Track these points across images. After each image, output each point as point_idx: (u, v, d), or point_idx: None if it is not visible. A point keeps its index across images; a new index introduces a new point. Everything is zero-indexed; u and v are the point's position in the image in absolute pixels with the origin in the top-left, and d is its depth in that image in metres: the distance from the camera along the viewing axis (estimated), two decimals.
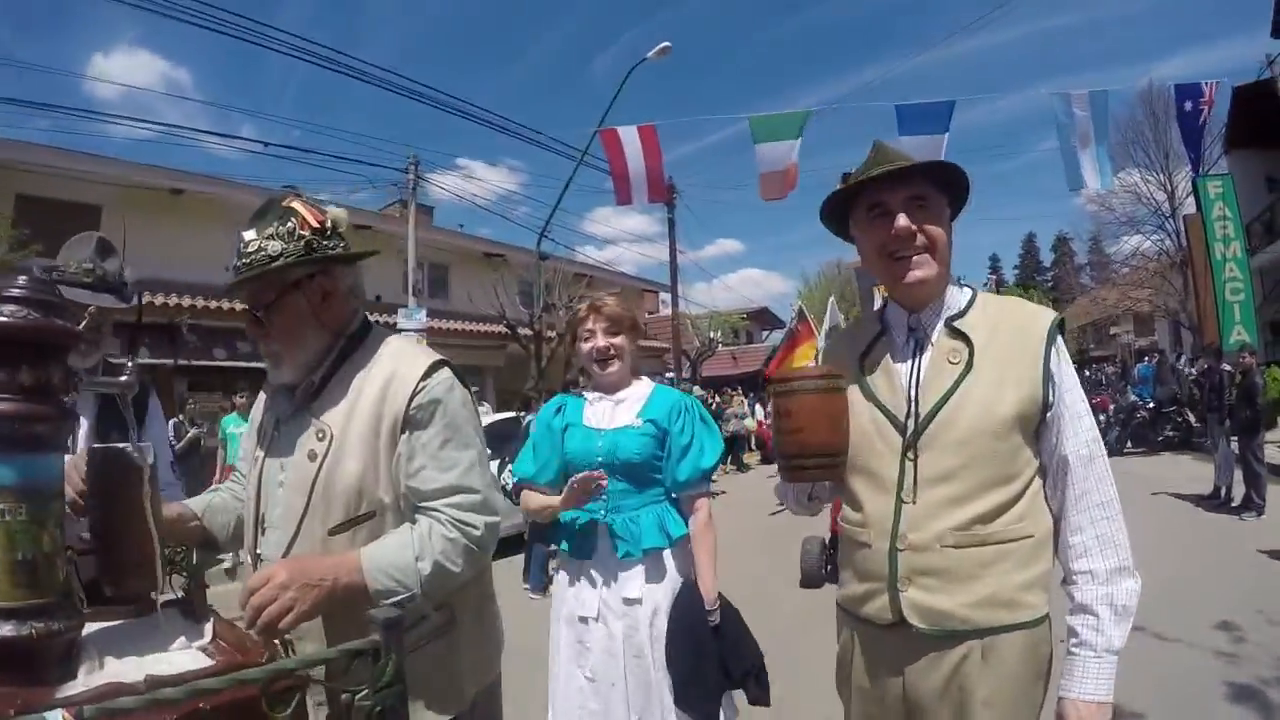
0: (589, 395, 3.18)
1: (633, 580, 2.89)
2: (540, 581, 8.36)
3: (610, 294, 3.37)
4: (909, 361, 1.91)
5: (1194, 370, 18.15)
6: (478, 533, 1.91)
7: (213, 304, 16.15)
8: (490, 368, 23.27)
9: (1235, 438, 11.03)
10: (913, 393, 1.86)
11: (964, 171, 1.91)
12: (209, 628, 1.65)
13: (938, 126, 11.74)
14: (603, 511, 2.93)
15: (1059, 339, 1.84)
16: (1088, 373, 34.85)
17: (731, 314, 41.15)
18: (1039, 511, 1.81)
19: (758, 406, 23.49)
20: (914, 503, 1.80)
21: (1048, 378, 1.79)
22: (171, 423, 9.15)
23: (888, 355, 1.96)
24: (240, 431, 8.37)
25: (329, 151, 51.24)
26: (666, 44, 18.52)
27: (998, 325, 1.86)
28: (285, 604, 1.66)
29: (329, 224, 2.00)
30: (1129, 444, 17.64)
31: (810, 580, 7.49)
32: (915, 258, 1.86)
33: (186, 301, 15.94)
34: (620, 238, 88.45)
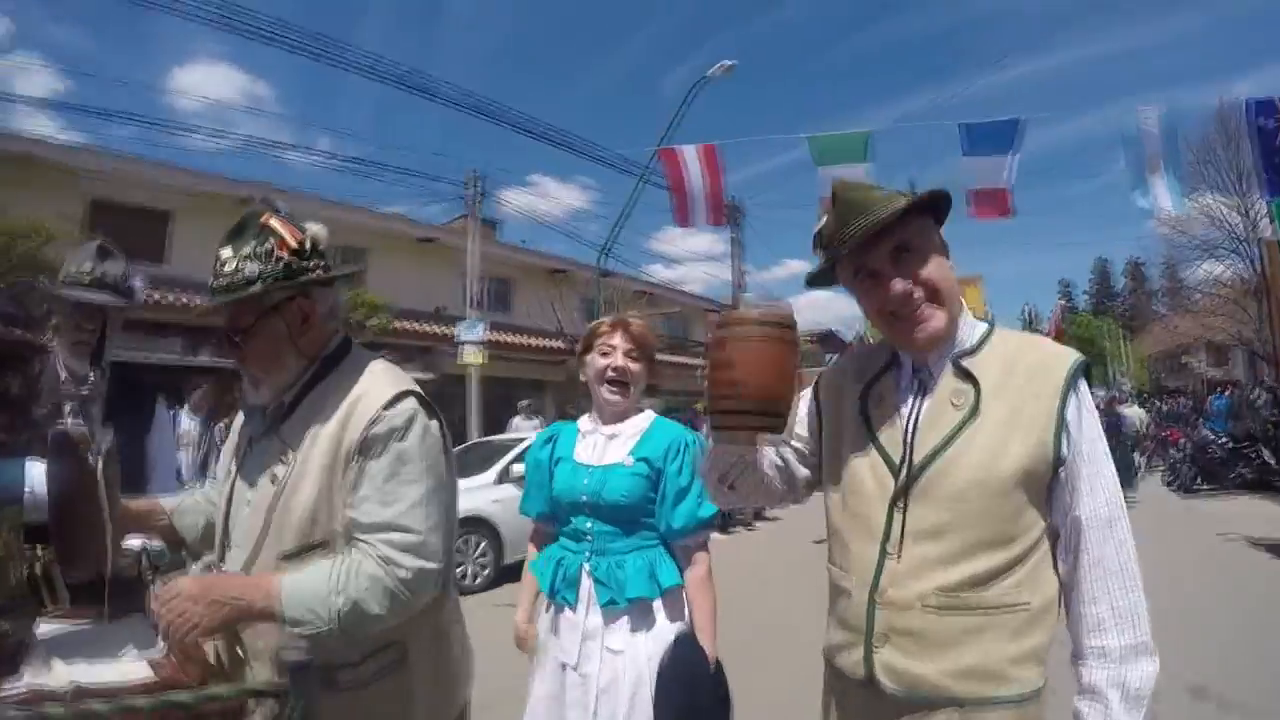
0: (584, 425, 2.97)
1: (617, 630, 2.66)
2: None
3: (639, 315, 3.13)
4: (910, 401, 1.75)
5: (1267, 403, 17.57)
6: (405, 575, 1.79)
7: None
8: (551, 382, 23.31)
9: None
10: (908, 437, 1.70)
11: (943, 193, 1.75)
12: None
13: (1005, 146, 11.42)
14: (587, 554, 2.72)
15: (1081, 384, 1.66)
16: (1160, 404, 33.93)
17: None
18: (1041, 578, 1.63)
19: None
20: (898, 557, 1.64)
21: (1062, 428, 1.61)
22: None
23: (893, 390, 1.80)
24: None
25: (397, 165, 51.71)
26: (730, 61, 18.54)
27: (1013, 366, 1.69)
28: (188, 618, 1.65)
29: (308, 244, 1.96)
30: (1200, 481, 16.96)
31: None
32: (919, 311, 1.70)
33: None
34: (686, 257, 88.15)
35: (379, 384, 1.94)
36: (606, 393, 2.84)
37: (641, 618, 2.66)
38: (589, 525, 2.73)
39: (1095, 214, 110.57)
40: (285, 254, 1.92)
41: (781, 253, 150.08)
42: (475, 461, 11.03)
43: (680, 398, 26.07)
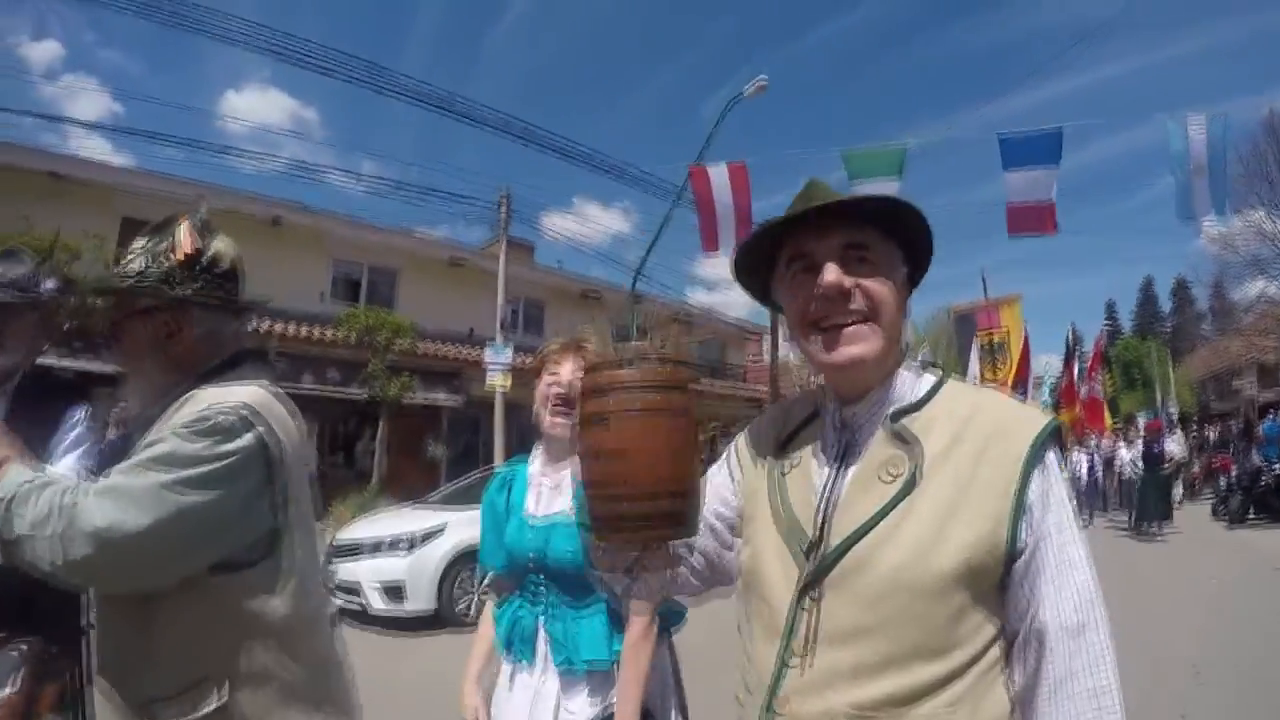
0: (533, 468, 2.62)
1: (575, 696, 2.36)
2: None
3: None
4: (830, 467, 1.36)
5: None
6: (84, 528, 1.52)
7: (303, 330, 16.86)
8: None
9: None
10: (822, 514, 1.30)
11: (920, 212, 1.36)
12: None
13: (1047, 158, 10.92)
14: (543, 610, 2.44)
15: (1050, 456, 1.27)
16: (1209, 432, 33.00)
17: None
18: (987, 698, 1.22)
19: None
20: (804, 664, 1.24)
21: (1020, 513, 1.22)
22: None
23: (811, 452, 1.42)
24: None
25: (433, 187, 51.69)
26: (763, 79, 18.17)
27: (964, 430, 1.29)
28: None
29: (204, 259, 1.85)
30: (1251, 512, 16.05)
31: None
32: (849, 328, 1.31)
33: (279, 327, 16.40)
34: (723, 281, 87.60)
35: (222, 394, 1.77)
36: (550, 416, 2.46)
37: (600, 685, 2.36)
38: (541, 585, 2.46)
39: (1141, 232, 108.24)
40: (172, 261, 1.82)
41: None
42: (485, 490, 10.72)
43: (716, 425, 25.73)
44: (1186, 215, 10.91)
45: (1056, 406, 13.44)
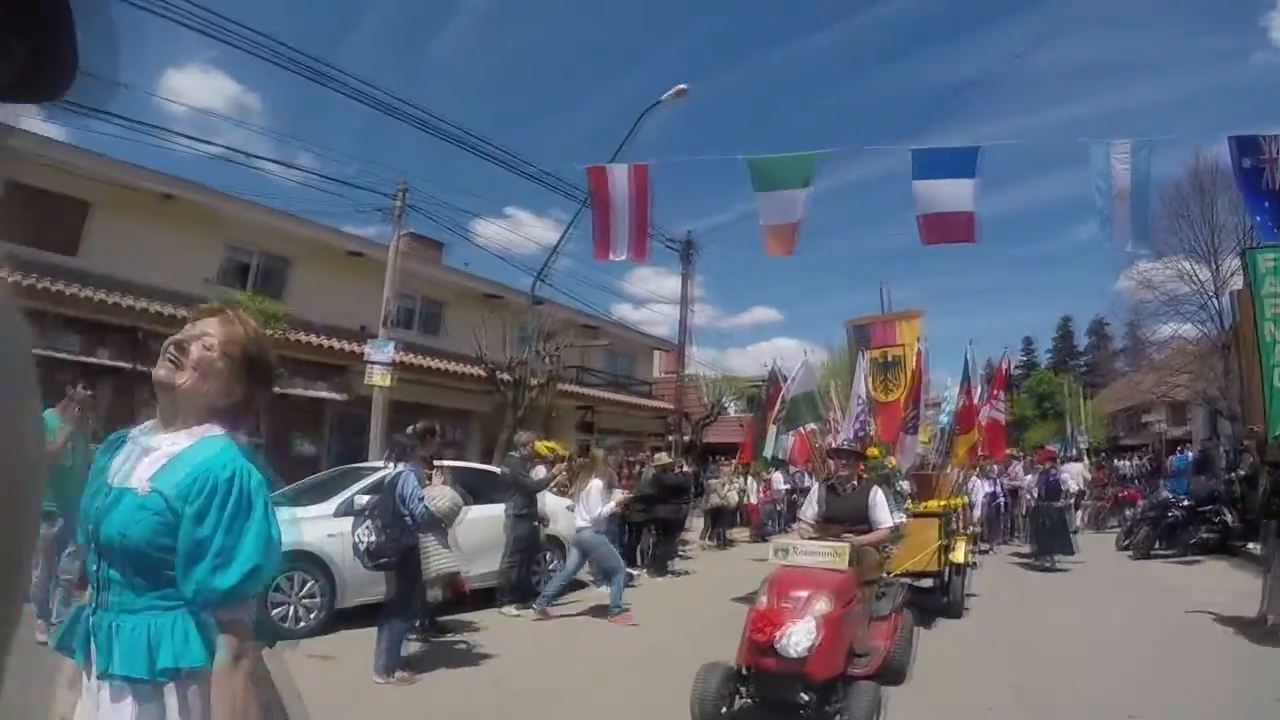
0: (141, 428, 2.16)
1: (121, 710, 1.89)
2: (390, 661, 7.07)
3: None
4: None
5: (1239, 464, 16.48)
6: None
7: (180, 312, 14.68)
8: (477, 413, 21.93)
9: None
10: None
11: None
12: None
13: (963, 171, 10.49)
14: (93, 604, 2.02)
15: None
16: (1118, 463, 33.02)
17: (743, 379, 38.54)
18: None
19: (750, 479, 21.27)
20: None
21: None
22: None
23: None
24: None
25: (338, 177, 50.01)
26: (683, 86, 18.33)
27: None
28: None
29: None
30: (1158, 544, 15.68)
31: None
32: None
33: (155, 307, 15.21)
34: (647, 296, 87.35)
35: None
36: (161, 369, 2.07)
37: (149, 705, 1.91)
38: (99, 568, 2.02)
39: (1064, 271, 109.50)
40: None
41: (753, 300, 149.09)
42: (327, 490, 9.99)
43: (619, 437, 25.05)
44: (1110, 242, 10.68)
45: (953, 431, 12.29)
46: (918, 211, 10.69)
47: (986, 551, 16.57)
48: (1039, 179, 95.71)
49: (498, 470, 11.15)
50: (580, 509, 10.19)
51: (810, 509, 7.79)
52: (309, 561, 8.71)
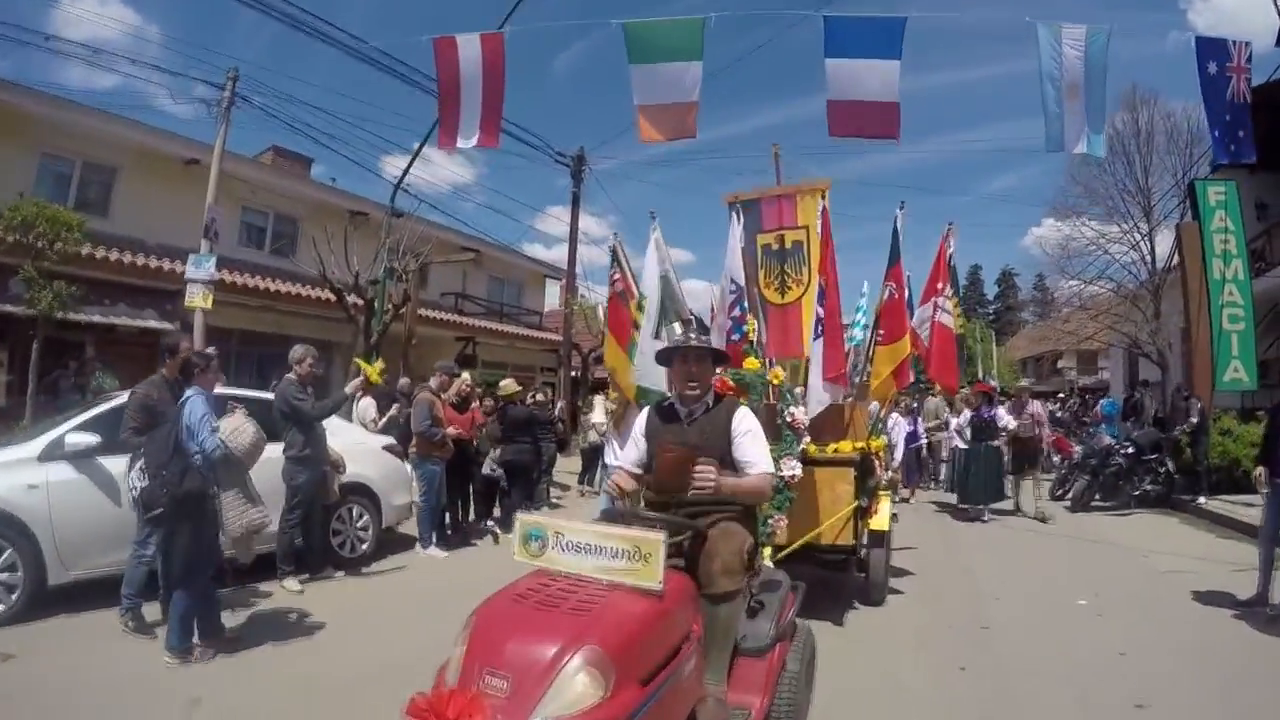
0: None
1: None
2: (181, 641, 5.63)
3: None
4: None
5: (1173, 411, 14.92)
6: None
7: None
8: (339, 344, 19.20)
9: None
10: None
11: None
12: None
13: (885, 50, 8.68)
14: None
15: None
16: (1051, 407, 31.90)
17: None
18: None
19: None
20: None
21: None
22: None
23: None
24: None
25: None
26: None
27: None
28: None
29: None
30: (1097, 497, 13.93)
31: None
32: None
33: None
34: (553, 232, 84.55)
35: None
36: None
37: None
38: None
39: (976, 225, 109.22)
40: None
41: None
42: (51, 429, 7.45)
43: (499, 371, 22.71)
44: (1056, 145, 9.04)
45: (871, 348, 8.70)
46: (830, 95, 8.90)
47: (905, 500, 14.71)
48: (959, 132, 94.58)
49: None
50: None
51: (630, 451, 4.23)
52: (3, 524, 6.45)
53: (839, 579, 7.87)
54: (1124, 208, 24.25)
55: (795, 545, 6.86)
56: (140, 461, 5.93)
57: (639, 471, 4.09)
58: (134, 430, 6.34)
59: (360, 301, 16.44)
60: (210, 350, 11.48)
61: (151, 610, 6.29)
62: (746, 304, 8.01)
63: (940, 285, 8.61)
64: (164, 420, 5.90)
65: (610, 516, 3.61)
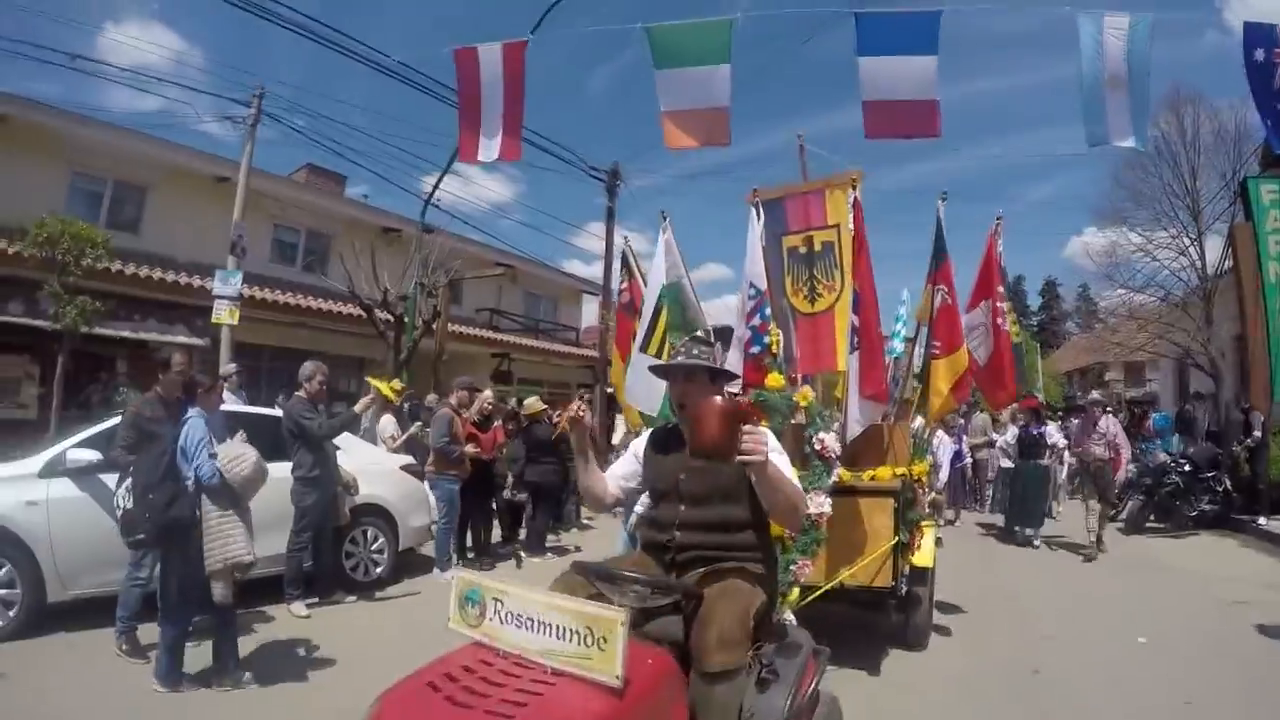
0: None
1: None
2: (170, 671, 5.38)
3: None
4: None
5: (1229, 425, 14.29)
6: None
7: (9, 249, 13.21)
8: (373, 361, 19.14)
9: None
10: None
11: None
12: None
13: (922, 45, 8.10)
14: None
15: None
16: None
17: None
18: None
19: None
20: None
21: None
22: None
23: None
24: None
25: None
26: None
27: None
28: None
29: None
30: (1151, 518, 13.24)
31: None
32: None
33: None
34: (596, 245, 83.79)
35: None
36: None
37: None
38: None
39: (1018, 234, 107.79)
40: None
41: (706, 256, 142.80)
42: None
43: (534, 388, 22.43)
44: (1098, 139, 8.33)
45: (925, 362, 7.68)
46: (864, 96, 8.26)
47: (950, 523, 13.86)
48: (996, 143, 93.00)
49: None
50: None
51: (621, 464, 3.63)
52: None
53: (873, 617, 6.84)
54: (1172, 211, 23.42)
55: (825, 587, 5.80)
56: (128, 482, 5.55)
57: (624, 485, 3.50)
58: (124, 449, 6.13)
59: (390, 317, 16.24)
60: (232, 366, 11.35)
61: (150, 632, 5.99)
62: (769, 310, 6.95)
63: (995, 287, 7.87)
64: (156, 439, 5.59)
65: (582, 571, 2.96)
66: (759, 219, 7.46)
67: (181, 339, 15.77)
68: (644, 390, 6.57)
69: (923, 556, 6.75)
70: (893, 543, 6.08)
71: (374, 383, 8.63)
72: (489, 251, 24.85)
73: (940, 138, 8.33)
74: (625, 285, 8.19)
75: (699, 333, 4.08)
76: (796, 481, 3.12)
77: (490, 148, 9.45)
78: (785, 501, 2.95)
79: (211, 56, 75.21)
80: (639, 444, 3.60)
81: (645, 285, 7.87)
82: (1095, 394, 15.67)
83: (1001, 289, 7.77)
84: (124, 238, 16.15)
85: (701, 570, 3.08)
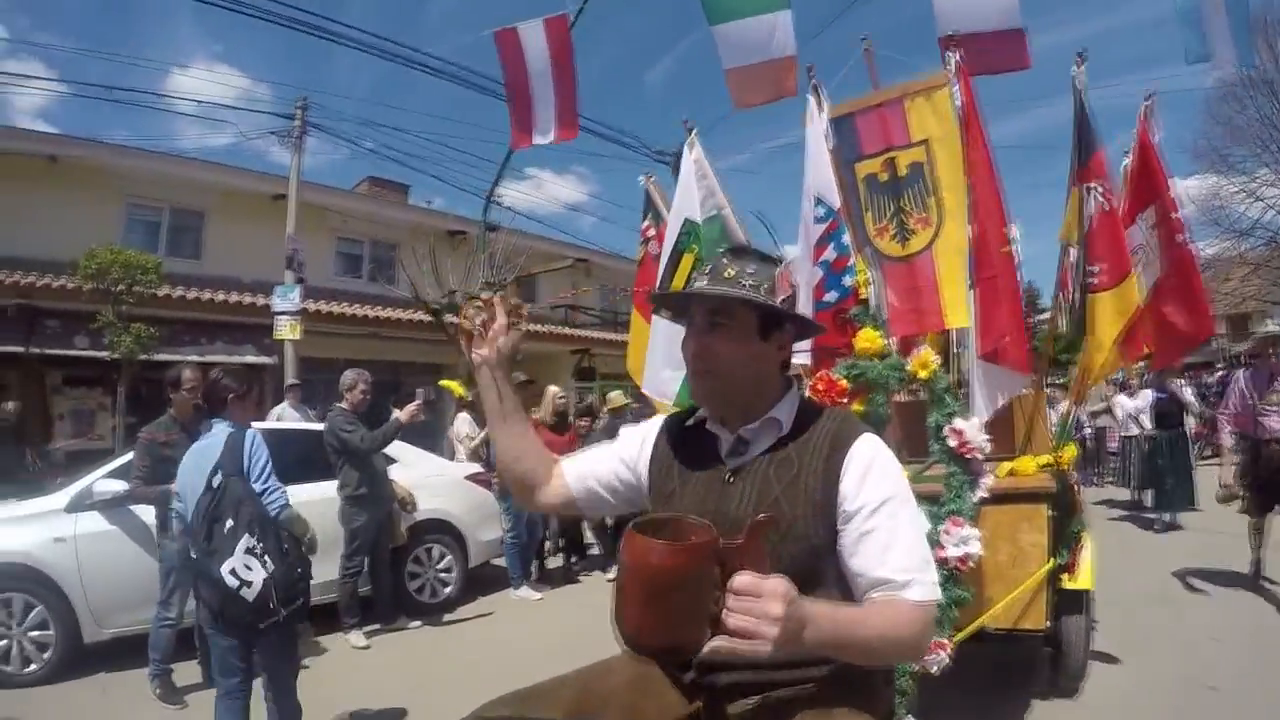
0: None
1: None
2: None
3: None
4: None
5: None
6: None
7: (70, 284, 12.95)
8: (449, 367, 18.25)
9: None
10: None
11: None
12: None
13: None
14: None
15: None
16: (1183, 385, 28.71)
17: None
18: None
19: None
20: None
21: None
22: None
23: None
24: None
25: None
26: None
27: None
28: None
29: None
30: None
31: None
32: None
33: (43, 281, 13.32)
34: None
35: None
36: None
37: None
38: None
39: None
40: None
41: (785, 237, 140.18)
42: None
43: (618, 383, 21.73)
44: (1199, 56, 7.31)
45: (1079, 298, 5.08)
46: (940, 32, 7.39)
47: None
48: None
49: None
50: None
51: (595, 461, 2.16)
52: (27, 579, 6.05)
53: (1016, 658, 5.47)
54: (1274, 144, 22.03)
55: (959, 639, 3.92)
56: (244, 541, 3.86)
57: (592, 488, 2.09)
58: (140, 479, 5.56)
59: (457, 320, 15.51)
60: (293, 381, 10.91)
61: (189, 672, 5.64)
62: (847, 239, 4.79)
63: (1163, 189, 5.41)
64: (174, 465, 4.44)
65: None
66: (820, 109, 5.29)
67: (250, 358, 15.54)
68: (660, 360, 5.04)
69: (1081, 577, 4.86)
70: (1047, 568, 4.35)
71: (446, 384, 8.31)
72: (559, 247, 24.29)
73: (1029, 66, 7.46)
74: (647, 224, 6.36)
75: (747, 247, 2.35)
76: (882, 606, 1.59)
77: (545, 128, 8.84)
78: (858, 658, 1.59)
79: (266, 77, 76.34)
80: (637, 435, 2.11)
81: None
82: (1270, 325, 11.06)
83: (1172, 192, 5.46)
84: (187, 264, 16.20)
85: (753, 702, 1.69)
